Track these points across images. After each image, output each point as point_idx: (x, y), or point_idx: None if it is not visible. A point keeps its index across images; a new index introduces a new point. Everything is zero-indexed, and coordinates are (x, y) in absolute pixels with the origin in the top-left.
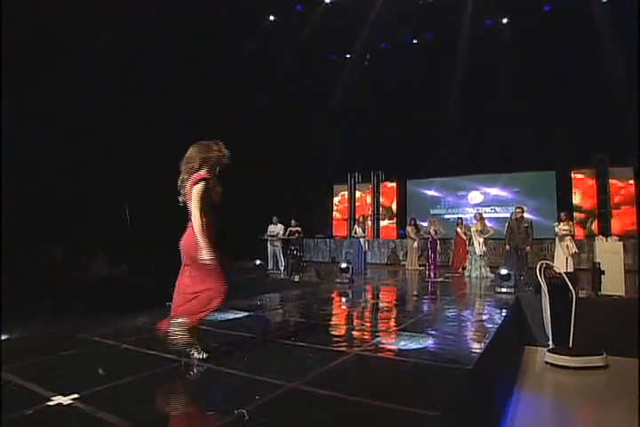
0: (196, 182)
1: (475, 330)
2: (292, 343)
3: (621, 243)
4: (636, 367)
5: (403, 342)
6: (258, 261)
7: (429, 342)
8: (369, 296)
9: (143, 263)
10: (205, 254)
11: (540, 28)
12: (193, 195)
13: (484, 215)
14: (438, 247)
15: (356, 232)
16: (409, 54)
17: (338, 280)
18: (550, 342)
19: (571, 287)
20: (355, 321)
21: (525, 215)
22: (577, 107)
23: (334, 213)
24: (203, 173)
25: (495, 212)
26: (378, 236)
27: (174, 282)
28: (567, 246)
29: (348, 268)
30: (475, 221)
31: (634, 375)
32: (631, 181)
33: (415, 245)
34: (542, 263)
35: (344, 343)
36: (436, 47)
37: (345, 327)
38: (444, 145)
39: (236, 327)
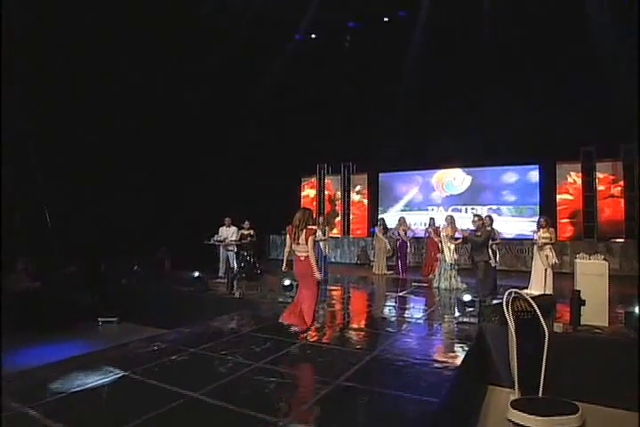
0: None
1: (426, 382)
2: None
3: (606, 263)
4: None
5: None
6: (196, 273)
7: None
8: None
9: (68, 272)
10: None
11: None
12: (310, 240)
13: (457, 215)
14: (408, 249)
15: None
16: (382, 34)
17: (280, 299)
18: (516, 390)
19: (543, 324)
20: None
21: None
22: (563, 97)
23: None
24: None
25: (472, 209)
26: (348, 233)
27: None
28: (547, 256)
29: (291, 285)
30: (445, 225)
31: None
32: (619, 177)
33: (383, 246)
34: (511, 292)
35: None
36: (411, 26)
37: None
38: (421, 136)
39: None
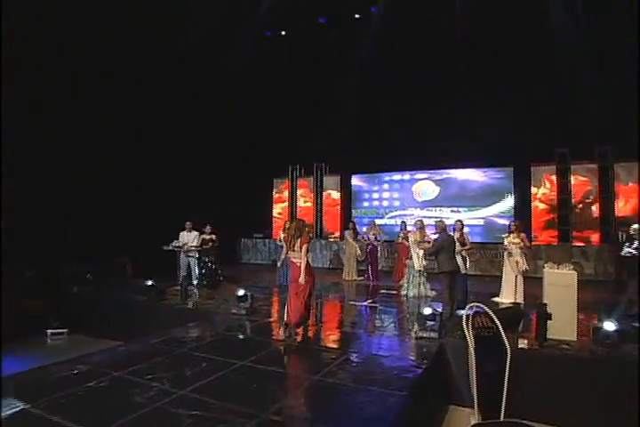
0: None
1: (374, 407)
2: None
3: (575, 273)
4: None
5: None
6: (150, 282)
7: None
8: (257, 339)
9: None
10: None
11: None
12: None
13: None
14: (379, 254)
15: (280, 240)
16: (353, 31)
17: (234, 311)
18: (476, 412)
19: (505, 341)
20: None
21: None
22: (538, 98)
23: (274, 210)
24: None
25: (444, 213)
26: (320, 236)
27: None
28: (517, 262)
29: (246, 296)
30: (414, 230)
31: None
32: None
33: (354, 251)
34: (472, 307)
35: None
36: (385, 22)
37: None
38: (393, 137)
39: None
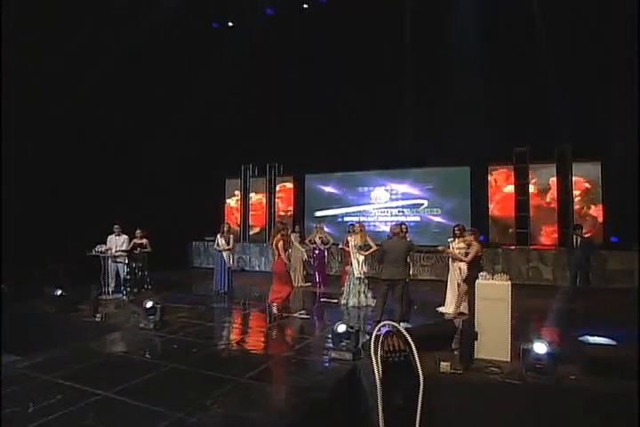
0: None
1: None
2: None
3: (508, 284)
4: None
5: None
6: (59, 291)
7: None
8: (145, 361)
9: None
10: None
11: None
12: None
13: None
14: (326, 259)
15: (218, 244)
16: (302, 22)
17: (142, 325)
18: None
19: (419, 368)
20: None
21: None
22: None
23: (225, 211)
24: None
25: (403, 214)
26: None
27: None
28: (460, 269)
29: (154, 308)
30: (355, 233)
31: None
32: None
33: (300, 255)
34: (384, 325)
35: None
36: (334, 13)
37: None
38: (347, 135)
39: None
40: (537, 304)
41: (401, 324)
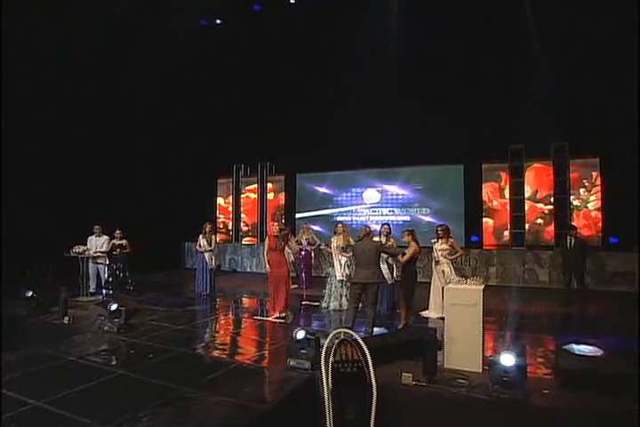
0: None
1: None
2: None
3: (480, 289)
4: None
5: None
6: (30, 293)
7: None
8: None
9: None
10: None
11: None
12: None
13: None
14: (313, 261)
15: (200, 245)
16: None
17: (106, 328)
18: None
19: (373, 380)
20: None
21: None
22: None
23: (217, 211)
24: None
25: (393, 214)
26: (263, 241)
27: None
28: (444, 272)
29: (119, 311)
30: (336, 234)
31: None
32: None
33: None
34: (339, 333)
35: None
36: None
37: None
38: (338, 134)
39: None
40: (529, 309)
41: (375, 329)
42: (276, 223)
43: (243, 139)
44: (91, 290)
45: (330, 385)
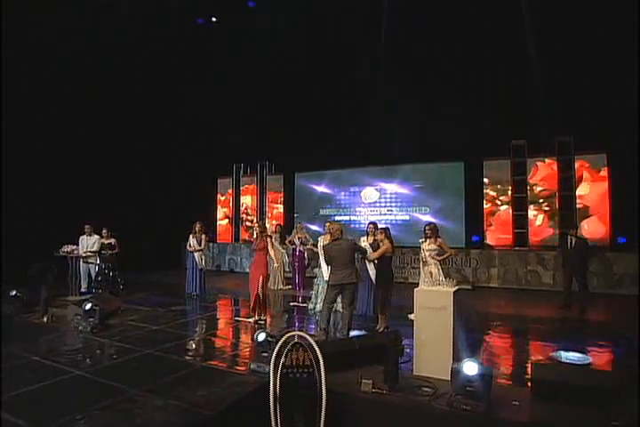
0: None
1: None
2: None
3: (451, 291)
4: None
5: None
6: (14, 292)
7: None
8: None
9: None
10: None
11: None
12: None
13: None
14: (307, 261)
15: (190, 245)
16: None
17: (80, 328)
18: None
19: (323, 387)
20: None
21: (427, 217)
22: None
23: (218, 211)
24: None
25: (392, 213)
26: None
27: None
28: (431, 273)
29: (93, 310)
30: (324, 233)
31: None
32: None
33: (280, 257)
34: (293, 337)
35: None
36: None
37: None
38: (336, 132)
39: None
40: (529, 312)
41: (350, 333)
42: (256, 224)
43: (243, 138)
44: (82, 289)
45: (277, 391)
